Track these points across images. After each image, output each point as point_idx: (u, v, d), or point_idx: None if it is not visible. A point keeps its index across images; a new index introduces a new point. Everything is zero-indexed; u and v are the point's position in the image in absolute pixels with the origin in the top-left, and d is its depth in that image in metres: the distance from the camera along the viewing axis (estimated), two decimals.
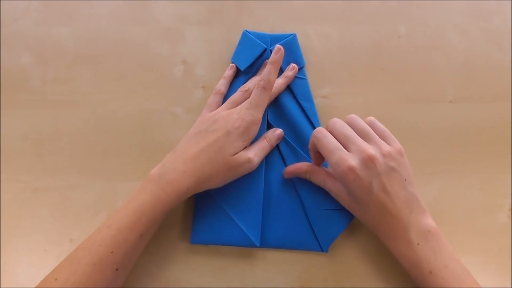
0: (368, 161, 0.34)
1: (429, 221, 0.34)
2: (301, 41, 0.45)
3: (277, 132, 0.41)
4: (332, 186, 0.37)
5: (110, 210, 0.40)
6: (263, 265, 0.39)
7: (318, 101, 0.43)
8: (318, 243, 0.39)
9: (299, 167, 0.39)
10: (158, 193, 0.34)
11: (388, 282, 0.38)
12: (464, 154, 0.43)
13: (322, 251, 0.39)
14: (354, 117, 0.37)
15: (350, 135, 0.35)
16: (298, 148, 0.41)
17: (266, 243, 0.39)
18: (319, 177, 0.38)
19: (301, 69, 0.44)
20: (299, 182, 0.40)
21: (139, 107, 0.44)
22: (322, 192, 0.39)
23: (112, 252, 0.33)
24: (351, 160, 0.34)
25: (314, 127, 0.41)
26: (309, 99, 0.43)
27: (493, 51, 0.46)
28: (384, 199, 0.34)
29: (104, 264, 0.32)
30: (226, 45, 0.45)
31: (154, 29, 0.46)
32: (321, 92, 0.44)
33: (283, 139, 0.41)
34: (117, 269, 0.33)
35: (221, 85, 0.42)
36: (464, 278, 0.33)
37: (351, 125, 0.37)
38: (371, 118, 0.38)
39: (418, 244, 0.33)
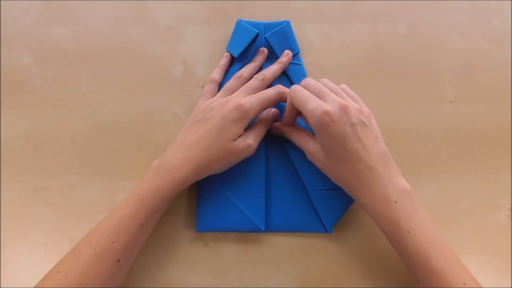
0: (343, 108, 0.34)
1: (404, 181, 0.34)
2: (301, 41, 0.45)
3: (272, 111, 0.41)
4: (310, 147, 0.37)
5: (110, 210, 0.40)
6: (263, 265, 0.39)
7: None
8: (322, 224, 0.39)
9: (285, 125, 0.40)
10: (158, 182, 0.35)
11: (387, 283, 0.38)
12: (464, 154, 0.43)
13: (326, 232, 0.39)
14: (327, 80, 0.38)
15: (324, 90, 0.36)
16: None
17: (270, 227, 0.39)
18: (302, 137, 0.38)
19: (296, 55, 0.44)
20: (300, 164, 0.40)
21: (139, 107, 0.44)
22: (323, 173, 0.39)
23: (113, 242, 0.33)
24: (327, 105, 0.34)
25: None
26: None
27: (493, 51, 0.46)
28: (358, 149, 0.33)
29: (106, 255, 0.32)
30: (226, 45, 0.45)
31: (154, 29, 0.46)
32: None
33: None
34: (118, 260, 0.33)
35: (216, 73, 0.43)
36: (437, 239, 0.32)
37: (324, 85, 0.37)
38: (344, 85, 0.39)
39: (396, 202, 0.33)
